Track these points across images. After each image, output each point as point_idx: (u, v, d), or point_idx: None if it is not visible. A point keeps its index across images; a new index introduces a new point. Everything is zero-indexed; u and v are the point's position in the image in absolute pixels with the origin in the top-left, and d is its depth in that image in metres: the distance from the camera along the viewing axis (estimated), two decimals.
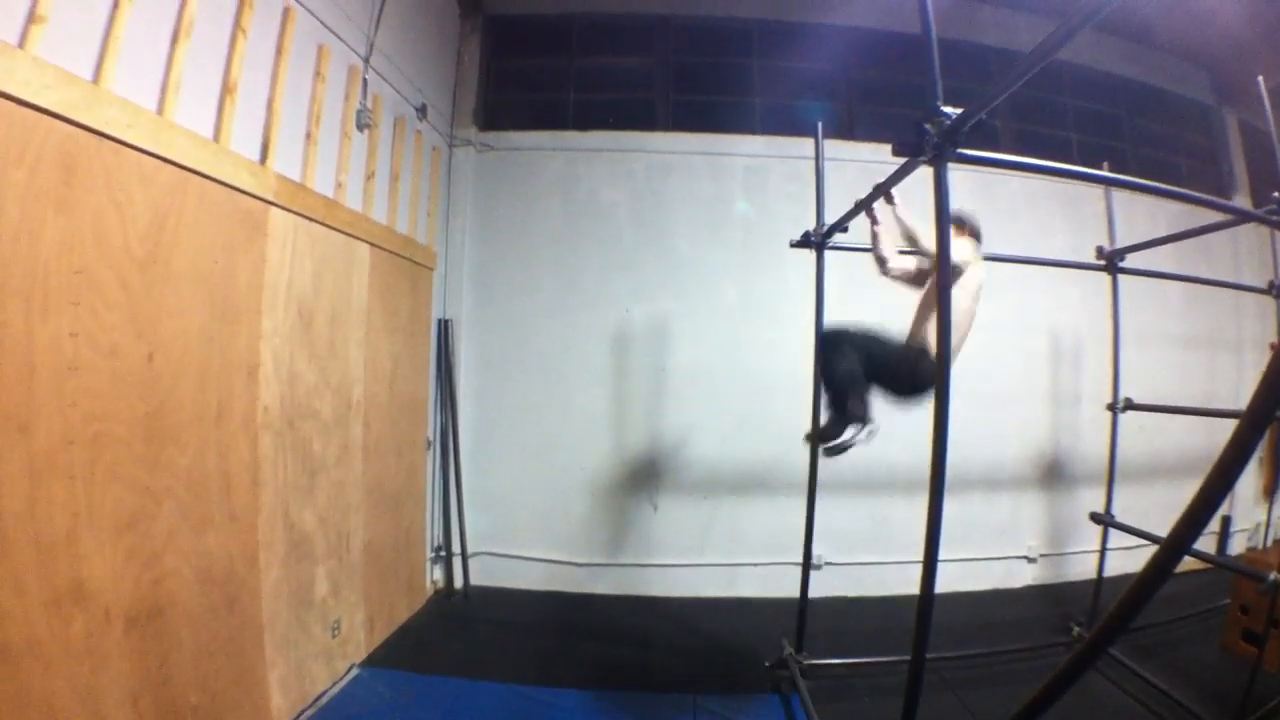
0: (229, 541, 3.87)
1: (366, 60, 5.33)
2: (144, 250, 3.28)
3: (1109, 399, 5.82)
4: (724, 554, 7.19)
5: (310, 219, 4.71)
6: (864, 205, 4.48)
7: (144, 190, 3.27)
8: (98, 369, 3.01)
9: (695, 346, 7.24)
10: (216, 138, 3.83)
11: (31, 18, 2.64)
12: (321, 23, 4.66)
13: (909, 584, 6.25)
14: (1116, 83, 8.59)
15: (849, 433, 4.15)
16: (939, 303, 2.78)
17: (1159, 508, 6.20)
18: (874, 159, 6.09)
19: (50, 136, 2.70)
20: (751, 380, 7.19)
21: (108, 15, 3.05)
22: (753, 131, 7.69)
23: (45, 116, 2.67)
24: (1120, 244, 5.73)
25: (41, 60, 2.64)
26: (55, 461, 2.76)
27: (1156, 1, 7.38)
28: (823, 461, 4.80)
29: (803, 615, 5.24)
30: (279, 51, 4.38)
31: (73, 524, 2.84)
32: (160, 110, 3.38)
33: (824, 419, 4.36)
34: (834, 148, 5.55)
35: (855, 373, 4.19)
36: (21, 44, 2.60)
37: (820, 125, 5.19)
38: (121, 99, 3.07)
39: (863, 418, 4.17)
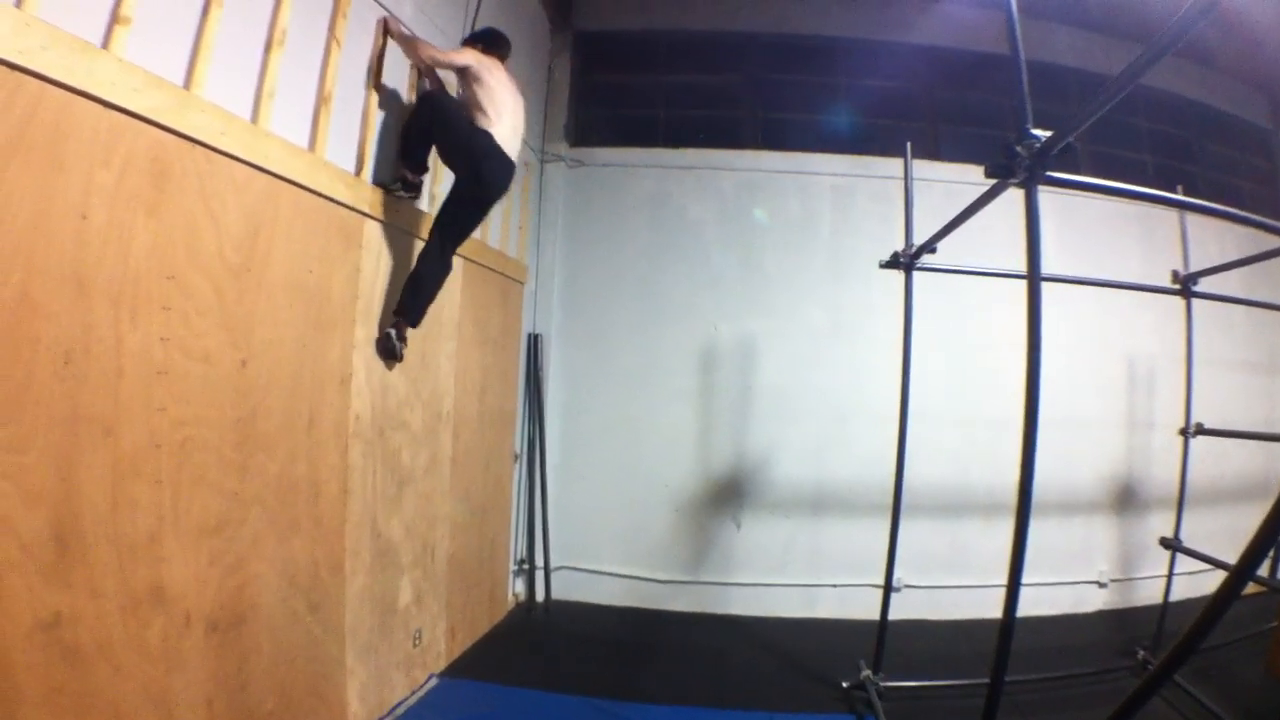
0: (315, 548, 3.88)
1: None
2: (238, 257, 3.31)
3: (1180, 424, 5.78)
4: (804, 574, 7.11)
5: (406, 231, 4.74)
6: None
7: (238, 198, 3.29)
8: (188, 374, 3.03)
9: (780, 365, 7.23)
10: (311, 148, 3.86)
11: (115, 18, 2.65)
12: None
13: (984, 607, 6.37)
14: (1184, 105, 8.48)
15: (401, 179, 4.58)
16: (1029, 329, 2.80)
17: (1222, 532, 6.00)
18: (959, 179, 6.10)
19: (139, 140, 2.72)
20: (835, 400, 7.16)
21: (197, 21, 3.08)
22: (839, 150, 7.64)
23: (134, 120, 2.69)
24: (1193, 268, 5.64)
25: (128, 62, 2.65)
26: (140, 465, 2.77)
27: (1218, 24, 7.03)
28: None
29: (882, 636, 5.20)
30: (373, 62, 4.43)
31: (156, 527, 2.85)
32: (254, 118, 3.40)
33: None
34: (920, 168, 5.51)
35: (425, 128, 4.50)
36: (105, 44, 2.61)
37: (909, 145, 5.14)
38: (214, 105, 3.09)
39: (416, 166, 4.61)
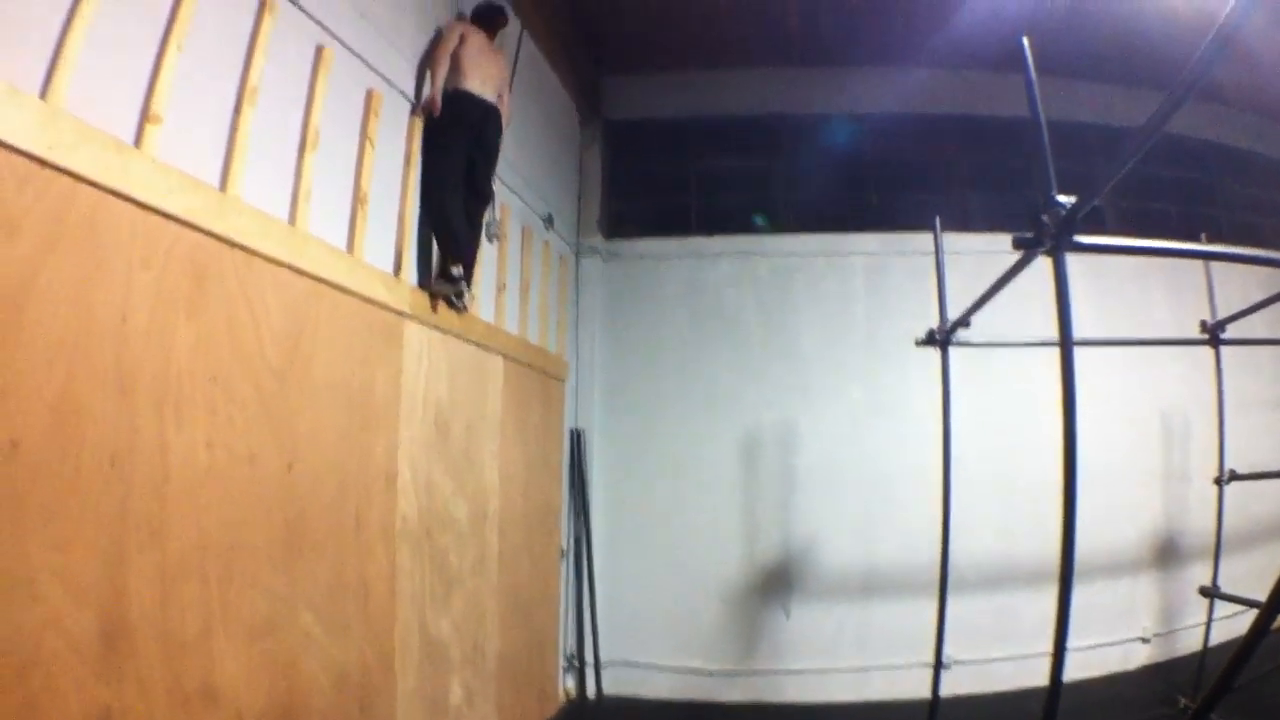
0: (365, 649, 3.79)
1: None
2: (280, 359, 3.31)
3: (1214, 471, 5.88)
4: (854, 656, 7.02)
5: (445, 331, 4.75)
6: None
7: (279, 299, 3.31)
8: (234, 477, 2.99)
9: (822, 446, 7.24)
10: (350, 249, 3.90)
11: (146, 116, 2.68)
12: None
13: (1033, 675, 6.05)
14: (1203, 147, 8.44)
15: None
16: (1063, 394, 2.82)
17: (1257, 571, 5.89)
18: (990, 249, 6.10)
19: (178, 242, 2.74)
20: (878, 479, 7.14)
21: (229, 121, 3.13)
22: (870, 228, 7.73)
23: (171, 221, 2.71)
24: (1220, 314, 5.67)
25: (163, 163, 2.68)
26: (189, 565, 2.72)
27: (1231, 60, 7.00)
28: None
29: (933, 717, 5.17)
30: (407, 162, 4.52)
31: (206, 627, 2.79)
32: (292, 220, 3.45)
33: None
34: (950, 240, 5.55)
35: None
36: (138, 143, 2.64)
37: (938, 219, 5.21)
38: (252, 208, 3.13)
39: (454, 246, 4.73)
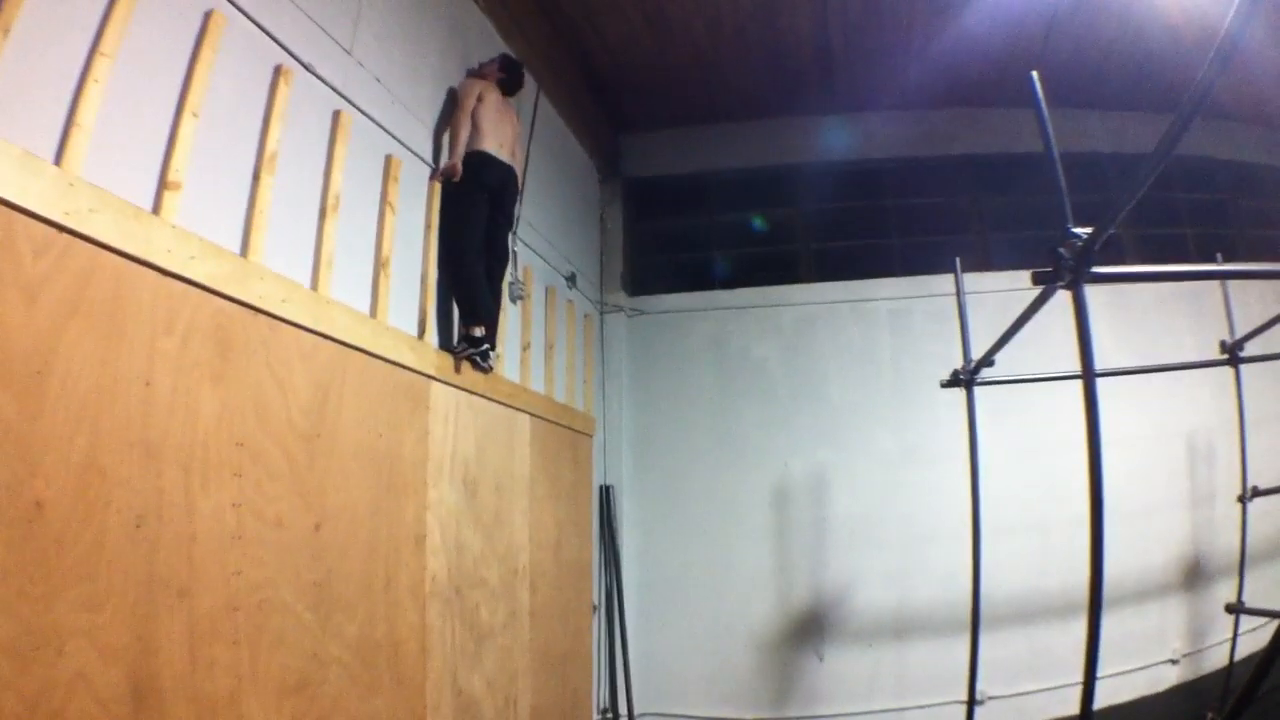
0: (396, 706, 3.79)
1: (514, 231, 5.55)
2: (307, 423, 3.36)
3: (1239, 490, 5.86)
4: (890, 699, 6.95)
5: (471, 392, 4.80)
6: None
7: (304, 365, 3.37)
8: (262, 539, 3.03)
9: (853, 494, 7.23)
10: (373, 313, 3.97)
11: (164, 183, 2.76)
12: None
13: (1067, 705, 6.15)
14: (1215, 166, 8.41)
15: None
16: (1087, 426, 2.81)
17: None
18: (1012, 287, 6.27)
19: (201, 308, 2.80)
20: (909, 523, 7.12)
21: (249, 187, 3.22)
22: (892, 273, 7.77)
23: (193, 288, 2.77)
24: (1239, 332, 5.63)
25: (183, 229, 2.75)
26: (218, 626, 2.75)
27: (1235, 75, 6.96)
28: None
29: None
30: (427, 226, 4.61)
31: (236, 686, 2.81)
32: (314, 285, 3.52)
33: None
34: (972, 280, 5.62)
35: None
36: (156, 209, 2.71)
37: (958, 261, 5.23)
38: (274, 274, 3.20)
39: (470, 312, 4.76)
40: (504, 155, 4.92)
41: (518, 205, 5.34)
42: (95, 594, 2.29)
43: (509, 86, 5.18)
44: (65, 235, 2.29)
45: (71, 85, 2.45)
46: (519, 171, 5.18)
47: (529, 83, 5.68)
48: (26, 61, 2.30)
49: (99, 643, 2.29)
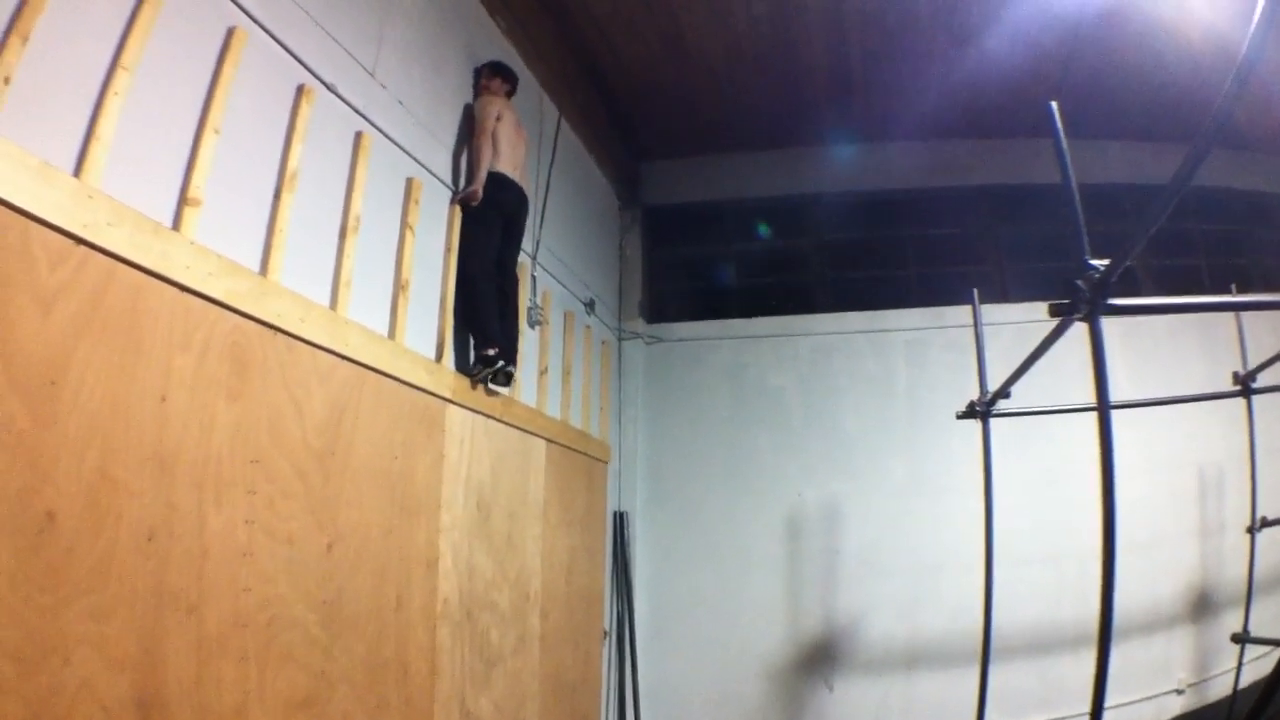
0: None
1: (534, 257, 5.57)
2: (321, 443, 3.36)
3: (1248, 521, 5.87)
4: None
5: (487, 415, 4.80)
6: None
7: (320, 384, 3.37)
8: (274, 556, 3.03)
9: (865, 525, 7.21)
10: (391, 334, 3.99)
11: (185, 199, 2.78)
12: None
13: None
14: (1230, 197, 8.28)
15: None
16: (1101, 458, 2.78)
17: None
18: (1028, 319, 6.26)
19: (218, 325, 2.82)
20: (921, 555, 7.08)
21: (269, 205, 3.24)
22: (909, 304, 7.75)
23: (211, 305, 2.78)
24: (1252, 363, 5.62)
25: (202, 246, 2.77)
26: (226, 641, 2.74)
27: (1249, 106, 6.90)
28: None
29: None
30: (448, 249, 4.63)
31: (242, 702, 2.80)
32: (333, 305, 3.54)
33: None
34: (989, 311, 5.60)
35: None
36: (176, 225, 2.73)
37: (976, 292, 5.23)
38: (293, 292, 3.22)
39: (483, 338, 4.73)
40: (516, 176, 4.96)
41: (538, 228, 5.35)
42: (104, 604, 2.29)
43: (513, 94, 5.20)
44: (82, 247, 2.31)
45: (92, 97, 2.47)
46: (528, 192, 5.20)
47: (550, 109, 5.72)
48: (46, 71, 2.33)
49: (106, 653, 2.29)
